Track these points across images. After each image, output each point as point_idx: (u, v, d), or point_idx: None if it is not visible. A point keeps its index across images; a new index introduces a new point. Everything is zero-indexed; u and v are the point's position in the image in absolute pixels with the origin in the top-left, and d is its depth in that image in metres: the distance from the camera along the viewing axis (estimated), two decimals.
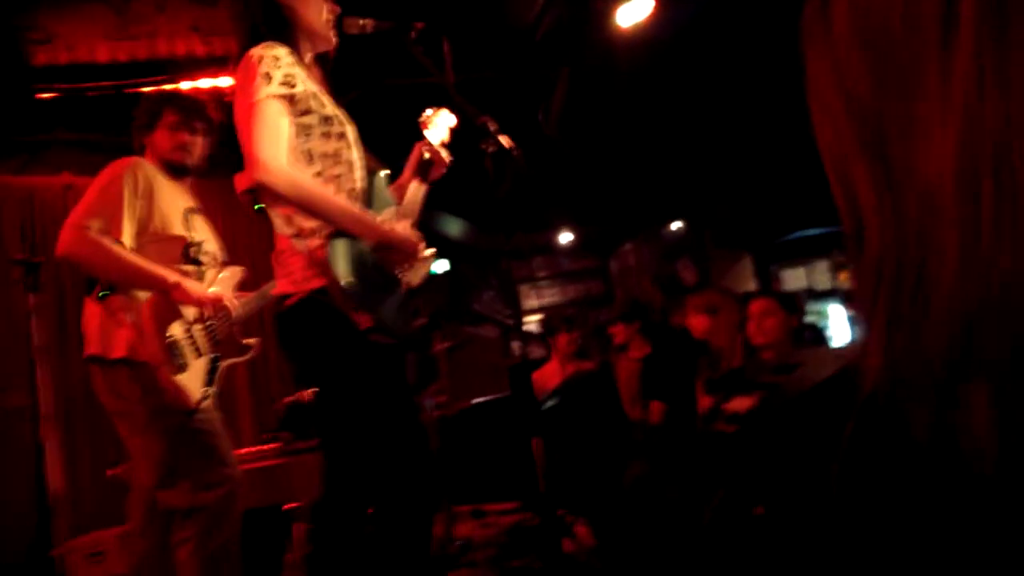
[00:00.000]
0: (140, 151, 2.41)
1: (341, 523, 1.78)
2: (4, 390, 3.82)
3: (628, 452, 3.95)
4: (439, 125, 2.19)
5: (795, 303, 3.11)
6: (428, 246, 1.97)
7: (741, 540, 2.34)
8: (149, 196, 2.25)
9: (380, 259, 1.83)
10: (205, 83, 4.39)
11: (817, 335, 4.09)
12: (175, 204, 2.34)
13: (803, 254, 6.35)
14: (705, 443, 3.43)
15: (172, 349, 2.11)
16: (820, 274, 6.38)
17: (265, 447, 3.66)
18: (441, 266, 6.19)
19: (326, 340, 1.75)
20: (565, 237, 7.62)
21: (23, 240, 4.14)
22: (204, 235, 2.42)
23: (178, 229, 2.31)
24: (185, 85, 4.30)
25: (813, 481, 1.70)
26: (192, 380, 2.18)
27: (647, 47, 4.73)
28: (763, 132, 5.20)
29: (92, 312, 2.22)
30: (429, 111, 2.21)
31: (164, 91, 2.51)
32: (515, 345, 6.43)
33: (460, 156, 2.22)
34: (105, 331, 2.16)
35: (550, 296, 7.50)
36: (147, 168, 2.31)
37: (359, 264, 1.74)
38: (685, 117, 5.58)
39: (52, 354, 3.40)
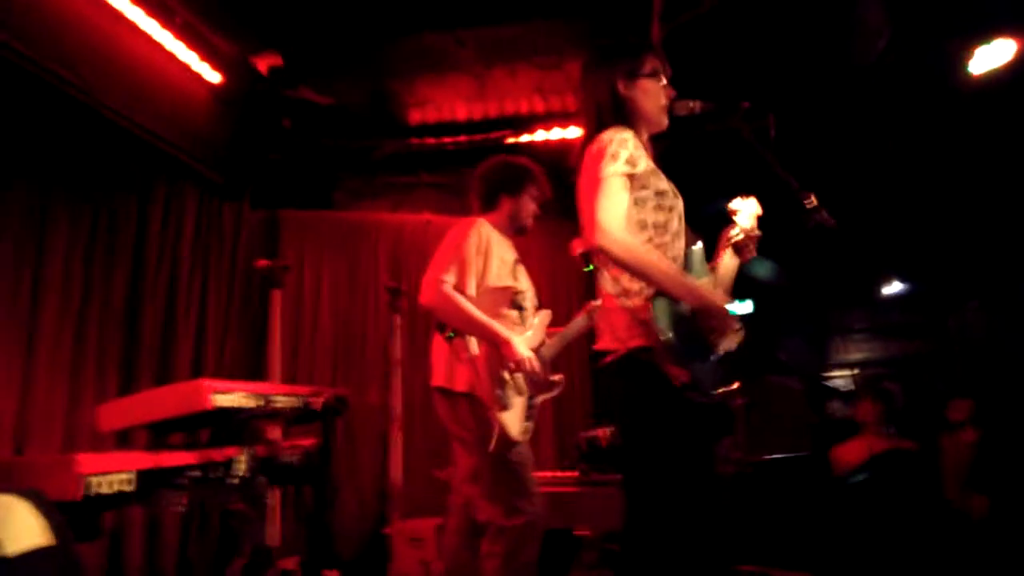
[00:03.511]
0: (493, 205, 2.80)
1: (642, 559, 1.91)
2: (366, 390, 4.67)
3: (944, 544, 3.53)
4: (746, 213, 2.25)
5: None
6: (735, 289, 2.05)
7: None
8: (487, 253, 2.63)
9: (697, 323, 1.93)
10: (540, 135, 4.92)
11: None
12: (506, 258, 2.71)
13: None
14: None
15: (500, 390, 2.45)
16: None
17: (563, 474, 3.96)
18: (744, 308, 6.02)
19: (644, 393, 1.91)
20: (893, 288, 6.92)
21: (392, 268, 5.00)
22: (526, 284, 2.76)
23: (508, 280, 2.66)
24: (525, 138, 4.87)
25: None
26: (514, 417, 2.50)
27: (1002, 89, 4.20)
28: None
29: (440, 348, 2.65)
30: (738, 200, 2.28)
31: (528, 164, 2.86)
32: (821, 402, 6.04)
33: (776, 200, 2.25)
34: (450, 367, 2.57)
35: (868, 351, 6.87)
36: (486, 228, 2.69)
37: (678, 325, 1.87)
38: None
39: (404, 366, 4.05)
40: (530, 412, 2.60)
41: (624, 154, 1.92)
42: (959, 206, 5.52)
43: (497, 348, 2.45)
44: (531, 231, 2.87)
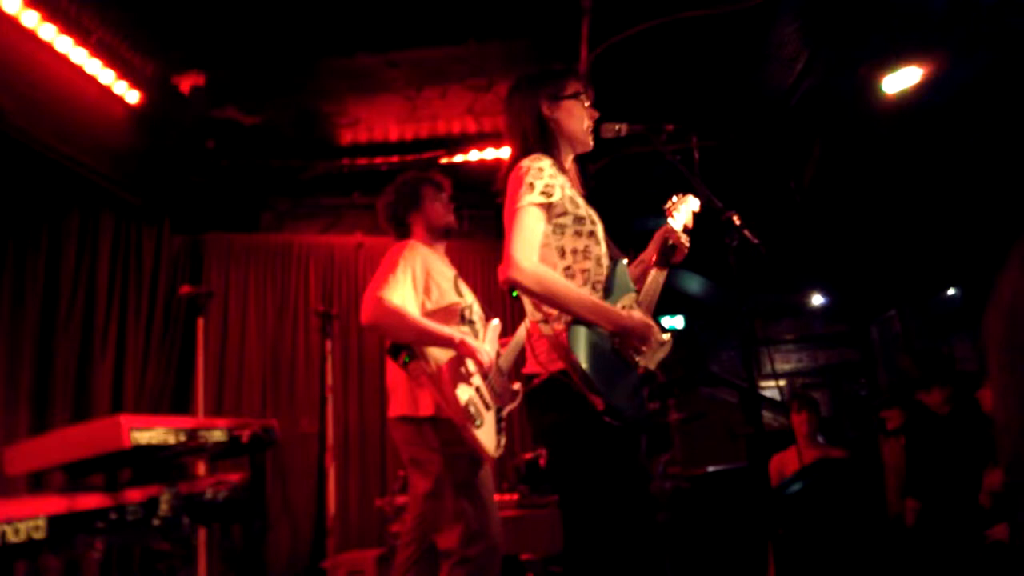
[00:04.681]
0: (406, 229, 2.77)
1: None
2: (300, 418, 4.52)
3: (880, 550, 3.63)
4: (683, 211, 2.30)
5: None
6: (667, 305, 2.04)
7: None
8: (428, 272, 2.59)
9: (617, 345, 1.94)
10: (474, 155, 4.90)
11: None
12: (445, 274, 2.67)
13: None
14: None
15: (469, 408, 2.37)
16: None
17: (504, 497, 3.91)
18: (676, 323, 6.14)
19: (564, 417, 1.91)
20: (818, 299, 7.18)
21: (323, 292, 4.87)
22: (471, 298, 2.72)
23: (453, 296, 2.62)
24: (459, 158, 4.84)
25: None
26: (488, 433, 2.43)
27: (913, 111, 4.42)
28: None
29: (397, 377, 2.59)
30: (675, 198, 2.33)
31: (411, 172, 2.86)
32: (754, 413, 6.18)
33: (703, 218, 2.30)
34: (411, 394, 2.52)
35: (796, 361, 7.09)
36: (421, 248, 2.65)
37: (597, 349, 1.87)
38: (966, 174, 5.08)
39: (338, 393, 3.94)
40: (500, 426, 2.54)
41: (540, 184, 1.92)
42: (876, 220, 5.78)
43: (452, 348, 2.41)
44: (466, 248, 2.84)
